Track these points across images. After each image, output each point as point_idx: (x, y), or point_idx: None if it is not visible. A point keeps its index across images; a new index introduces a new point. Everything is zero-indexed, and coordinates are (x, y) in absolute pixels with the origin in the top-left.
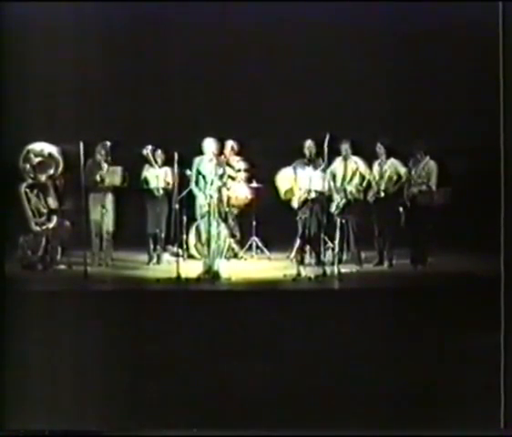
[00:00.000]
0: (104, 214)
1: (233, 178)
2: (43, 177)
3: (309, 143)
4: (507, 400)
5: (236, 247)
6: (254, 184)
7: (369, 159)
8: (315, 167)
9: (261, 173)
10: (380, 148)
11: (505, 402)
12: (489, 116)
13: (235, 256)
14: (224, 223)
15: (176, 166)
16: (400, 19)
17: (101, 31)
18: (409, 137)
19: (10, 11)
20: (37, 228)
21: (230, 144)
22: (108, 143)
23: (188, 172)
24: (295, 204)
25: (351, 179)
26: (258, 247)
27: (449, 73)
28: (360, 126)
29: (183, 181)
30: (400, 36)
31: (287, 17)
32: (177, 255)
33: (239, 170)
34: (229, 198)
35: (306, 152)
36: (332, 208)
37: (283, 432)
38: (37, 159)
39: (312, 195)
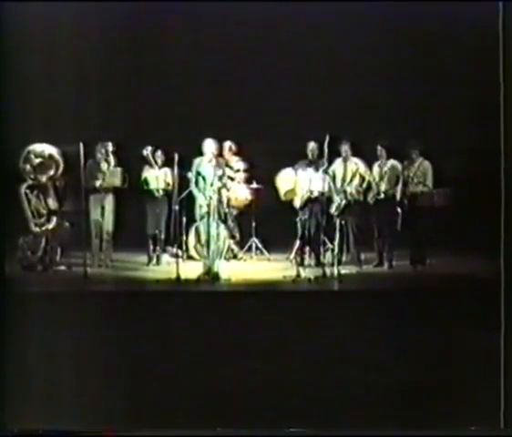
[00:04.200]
0: (104, 215)
1: (232, 179)
2: (43, 178)
3: (312, 145)
4: (507, 400)
5: (235, 248)
6: (254, 185)
7: (369, 161)
8: (317, 169)
9: (260, 174)
10: (380, 150)
11: (505, 402)
12: (490, 116)
13: (235, 257)
14: (224, 224)
15: (176, 167)
16: (400, 20)
17: (101, 31)
18: (409, 139)
19: (10, 11)
20: (37, 229)
21: (227, 145)
22: (109, 144)
23: (189, 174)
24: (297, 204)
25: (351, 181)
26: (257, 248)
27: (449, 73)
28: (360, 127)
29: (183, 182)
30: (400, 37)
31: (287, 17)
32: (176, 256)
33: (237, 171)
34: (228, 199)
35: (309, 154)
36: (332, 209)
37: (283, 433)
38: (38, 160)
39: (314, 195)
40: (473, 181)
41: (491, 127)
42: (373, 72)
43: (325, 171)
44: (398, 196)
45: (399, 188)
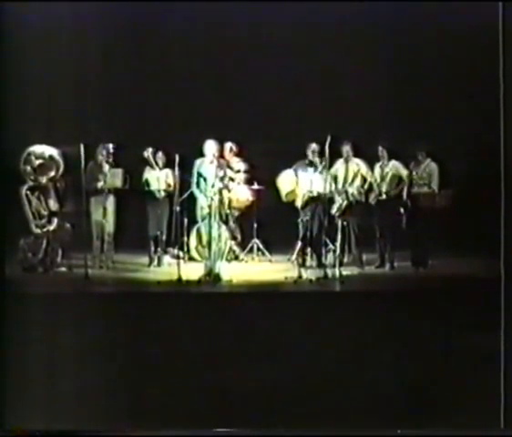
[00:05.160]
0: (105, 216)
1: (232, 179)
2: (44, 180)
3: (314, 146)
4: (507, 400)
5: (237, 249)
6: (255, 186)
7: (370, 161)
8: (316, 169)
9: (261, 175)
10: (382, 151)
11: (505, 402)
12: (493, 117)
13: (236, 258)
14: (225, 225)
15: (177, 168)
16: (400, 20)
17: (102, 32)
18: (411, 139)
19: (10, 12)
20: (38, 231)
21: (228, 145)
22: (110, 145)
23: (194, 178)
24: (298, 205)
25: (352, 181)
26: (259, 249)
27: (450, 73)
28: (361, 127)
29: (184, 183)
30: (401, 37)
31: (287, 18)
32: (178, 257)
33: (238, 171)
34: (230, 200)
35: (309, 154)
36: (334, 210)
37: (283, 433)
38: (38, 162)
39: (315, 196)
40: (476, 183)
41: (494, 129)
42: (375, 72)
43: (321, 171)
44: (404, 196)
45: (405, 188)
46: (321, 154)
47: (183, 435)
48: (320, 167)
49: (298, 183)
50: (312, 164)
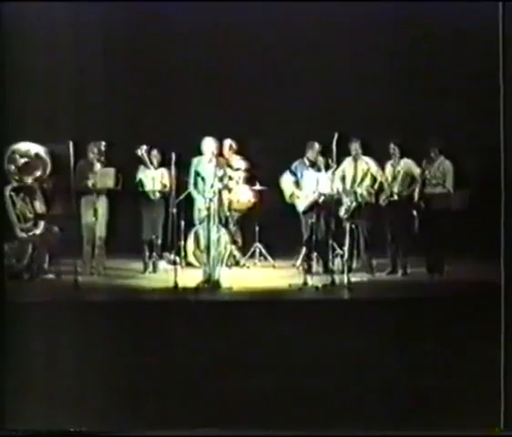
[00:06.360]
0: (96, 219)
1: (231, 178)
2: (29, 180)
3: (317, 147)
4: (507, 400)
5: (238, 254)
6: (257, 186)
7: (381, 159)
8: (319, 169)
9: (264, 174)
10: (393, 148)
11: (505, 402)
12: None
13: (237, 263)
14: (225, 228)
15: (173, 167)
16: (410, 16)
17: (96, 28)
18: (422, 136)
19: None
20: (23, 235)
21: (227, 143)
22: (102, 142)
23: (191, 178)
24: (301, 208)
25: (361, 181)
26: (261, 254)
27: (453, 71)
28: (371, 124)
29: (181, 183)
30: (410, 34)
31: (288, 15)
32: (174, 263)
33: (237, 169)
34: (230, 202)
35: (310, 155)
36: (342, 212)
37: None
38: (23, 160)
39: (321, 197)
40: (493, 183)
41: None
42: (384, 65)
43: (333, 171)
44: (416, 197)
45: (416, 189)
46: (325, 153)
47: (183, 435)
48: (326, 167)
49: (299, 184)
50: (314, 164)
